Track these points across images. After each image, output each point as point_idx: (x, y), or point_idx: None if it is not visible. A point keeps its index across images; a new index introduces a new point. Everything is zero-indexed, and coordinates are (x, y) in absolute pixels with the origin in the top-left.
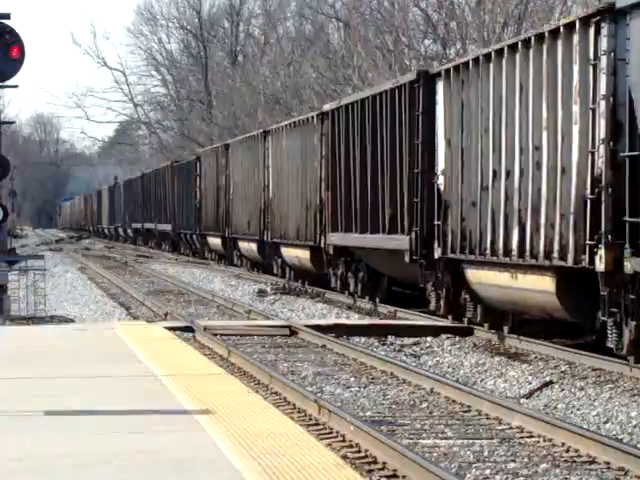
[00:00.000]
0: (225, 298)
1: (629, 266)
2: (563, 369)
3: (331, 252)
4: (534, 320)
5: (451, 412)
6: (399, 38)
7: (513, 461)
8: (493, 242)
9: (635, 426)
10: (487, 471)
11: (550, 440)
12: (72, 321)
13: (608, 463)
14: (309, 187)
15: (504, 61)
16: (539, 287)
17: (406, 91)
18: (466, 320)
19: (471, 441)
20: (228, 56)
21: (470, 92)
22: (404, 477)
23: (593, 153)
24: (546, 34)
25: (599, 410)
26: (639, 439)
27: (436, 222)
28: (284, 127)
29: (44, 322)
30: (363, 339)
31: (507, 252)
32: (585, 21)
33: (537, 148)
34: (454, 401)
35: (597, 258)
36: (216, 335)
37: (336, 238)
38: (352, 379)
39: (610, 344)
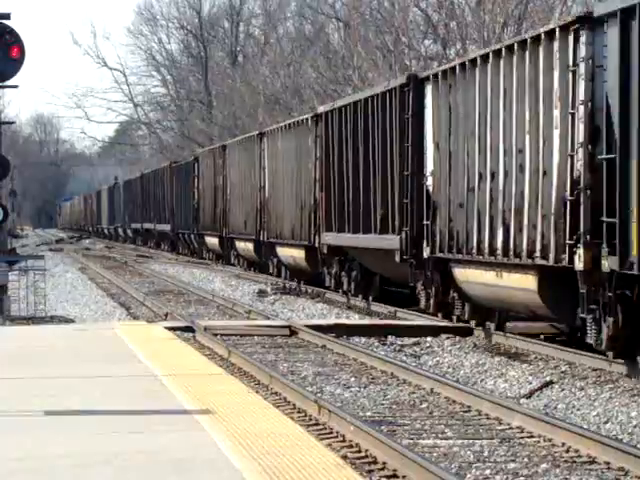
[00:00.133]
0: (225, 298)
1: (606, 265)
2: (563, 369)
3: (325, 251)
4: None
5: (451, 412)
6: (399, 38)
7: (513, 461)
8: (479, 242)
9: (635, 426)
10: (487, 471)
11: (550, 440)
12: (72, 321)
13: (608, 463)
14: (304, 188)
15: (489, 66)
16: (522, 285)
17: (396, 95)
18: (455, 318)
19: (471, 441)
20: (228, 56)
21: (457, 96)
22: (404, 477)
23: (572, 156)
24: (528, 41)
25: (599, 410)
26: (639, 439)
27: (425, 222)
28: (279, 129)
29: (44, 322)
30: (363, 339)
31: (492, 251)
32: (565, 29)
33: (520, 151)
34: (454, 401)
35: (576, 257)
36: (216, 335)
37: (330, 238)
38: (352, 379)
39: (589, 340)
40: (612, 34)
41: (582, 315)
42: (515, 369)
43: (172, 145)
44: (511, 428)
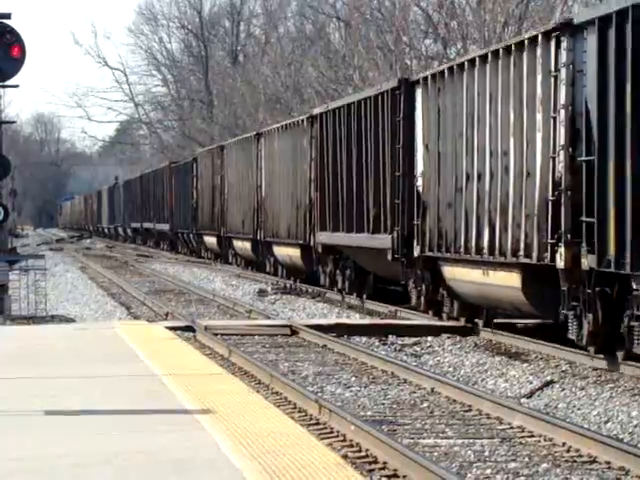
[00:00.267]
0: (226, 298)
1: (585, 263)
2: (564, 369)
3: (320, 250)
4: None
5: (452, 412)
6: (400, 38)
7: (514, 461)
8: (466, 241)
9: (636, 426)
10: (488, 471)
11: (551, 440)
12: (73, 321)
13: (609, 463)
14: (299, 188)
15: (476, 71)
16: (507, 283)
17: (388, 97)
18: (445, 315)
19: (472, 441)
20: (229, 56)
21: (446, 99)
22: (405, 477)
23: (554, 158)
24: (513, 47)
25: (600, 410)
26: (639, 439)
27: (415, 222)
28: (276, 129)
29: (45, 322)
30: (364, 339)
31: (479, 250)
32: (547, 35)
33: (505, 153)
34: (455, 401)
35: (558, 256)
36: (217, 335)
37: (324, 237)
38: (353, 379)
39: (571, 335)
40: (591, 41)
41: (563, 312)
42: (516, 369)
43: (173, 145)
44: (512, 428)
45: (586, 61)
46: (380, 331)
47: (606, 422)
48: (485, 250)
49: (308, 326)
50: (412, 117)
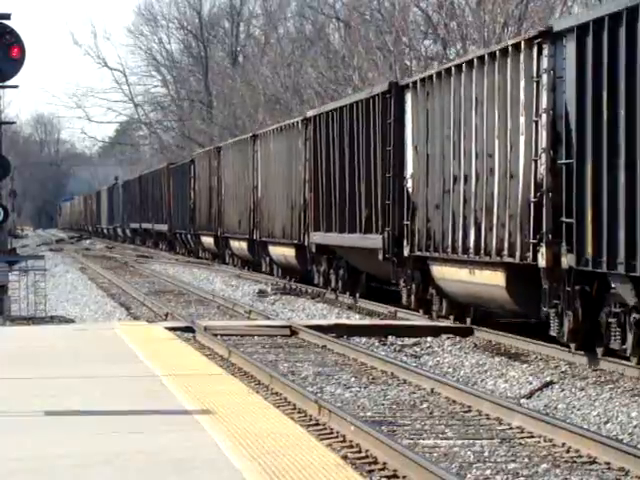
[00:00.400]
0: (225, 298)
1: (565, 262)
2: (563, 369)
3: (314, 250)
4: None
5: (451, 412)
6: (399, 38)
7: (513, 461)
8: (454, 241)
9: (635, 426)
10: (487, 471)
11: (550, 440)
12: (72, 321)
13: (608, 463)
14: (294, 188)
15: (463, 76)
16: (492, 282)
17: (379, 101)
18: (434, 314)
19: (471, 441)
20: (228, 56)
21: (434, 103)
22: (404, 477)
23: (536, 161)
24: (497, 53)
25: (599, 410)
26: (639, 439)
27: (405, 222)
28: (271, 131)
29: (44, 322)
30: (363, 339)
31: (465, 250)
32: (529, 42)
33: (490, 155)
34: (454, 401)
35: (539, 255)
36: (216, 335)
37: (318, 237)
38: (352, 379)
39: (553, 332)
40: (570, 48)
41: (545, 309)
42: (515, 369)
43: (172, 145)
44: (511, 428)
45: (565, 67)
46: (380, 332)
47: (606, 423)
48: (471, 250)
49: (308, 327)
50: (402, 120)
